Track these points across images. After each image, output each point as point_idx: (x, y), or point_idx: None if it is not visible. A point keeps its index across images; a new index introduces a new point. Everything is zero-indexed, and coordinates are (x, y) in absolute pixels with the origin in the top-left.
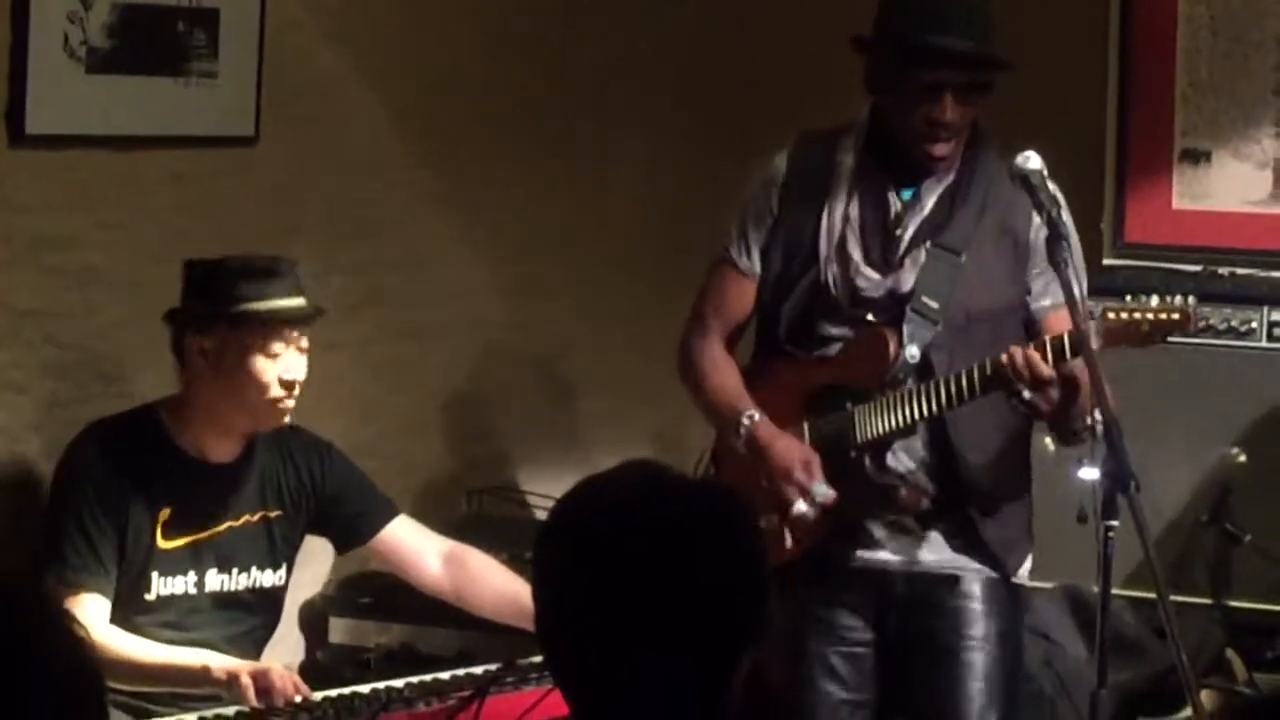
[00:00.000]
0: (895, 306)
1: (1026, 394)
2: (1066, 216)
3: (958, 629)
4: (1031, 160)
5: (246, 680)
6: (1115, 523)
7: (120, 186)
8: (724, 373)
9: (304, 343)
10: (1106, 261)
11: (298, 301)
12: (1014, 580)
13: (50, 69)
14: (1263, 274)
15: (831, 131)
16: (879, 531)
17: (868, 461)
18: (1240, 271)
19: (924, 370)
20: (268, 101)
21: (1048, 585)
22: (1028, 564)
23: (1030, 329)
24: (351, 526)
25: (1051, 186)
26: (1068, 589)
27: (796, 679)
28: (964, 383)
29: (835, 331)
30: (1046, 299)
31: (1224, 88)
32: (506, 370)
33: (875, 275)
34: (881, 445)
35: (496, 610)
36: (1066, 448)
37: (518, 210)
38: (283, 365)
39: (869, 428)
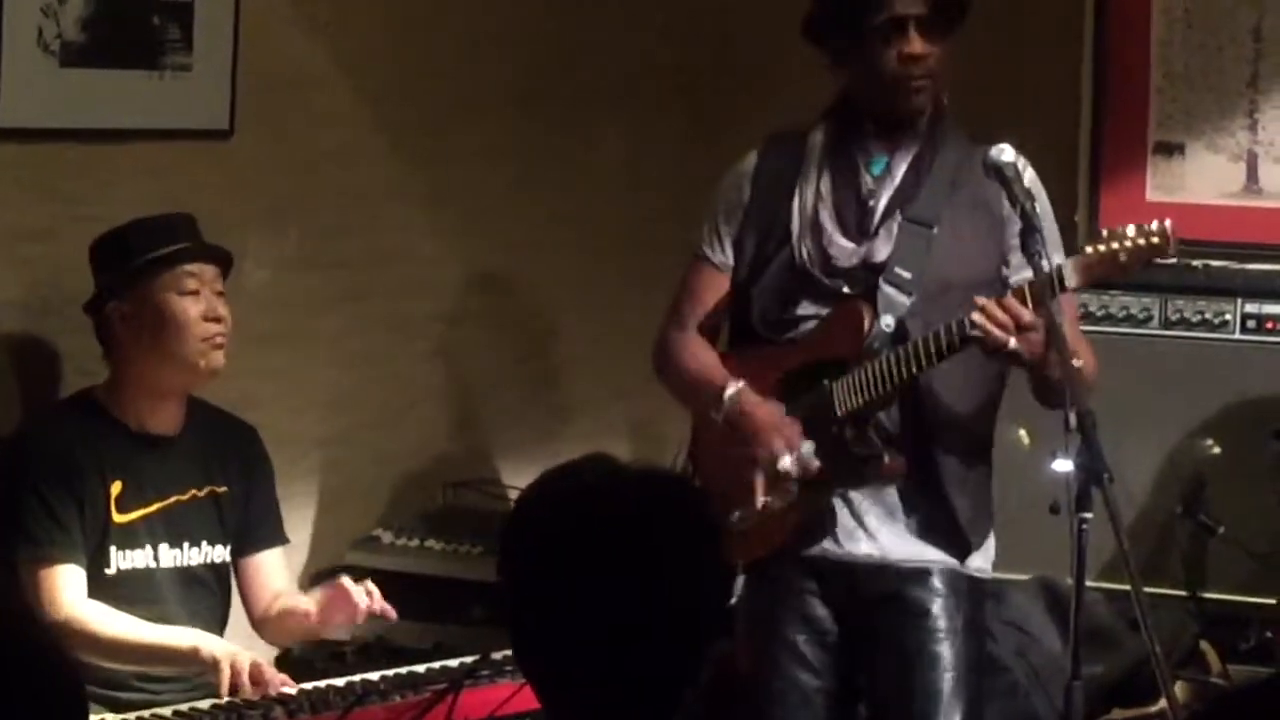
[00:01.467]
0: (869, 276)
1: (1012, 343)
2: (1044, 203)
3: (923, 623)
4: (1006, 153)
5: (226, 669)
6: (1089, 515)
7: (94, 180)
8: (702, 358)
9: (219, 285)
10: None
11: (200, 243)
12: (976, 567)
13: (24, 62)
14: (1236, 266)
15: (798, 131)
16: (849, 522)
17: (849, 433)
18: (1214, 264)
19: (899, 339)
20: (242, 95)
21: (1022, 577)
22: (989, 545)
23: None
24: (242, 532)
25: (1030, 174)
26: (1042, 581)
27: (766, 665)
28: (941, 340)
29: (809, 310)
30: (1027, 270)
31: (1198, 80)
32: (483, 363)
33: (849, 244)
34: (863, 417)
35: (287, 636)
36: (1049, 408)
37: (494, 203)
38: (204, 304)
39: (849, 400)
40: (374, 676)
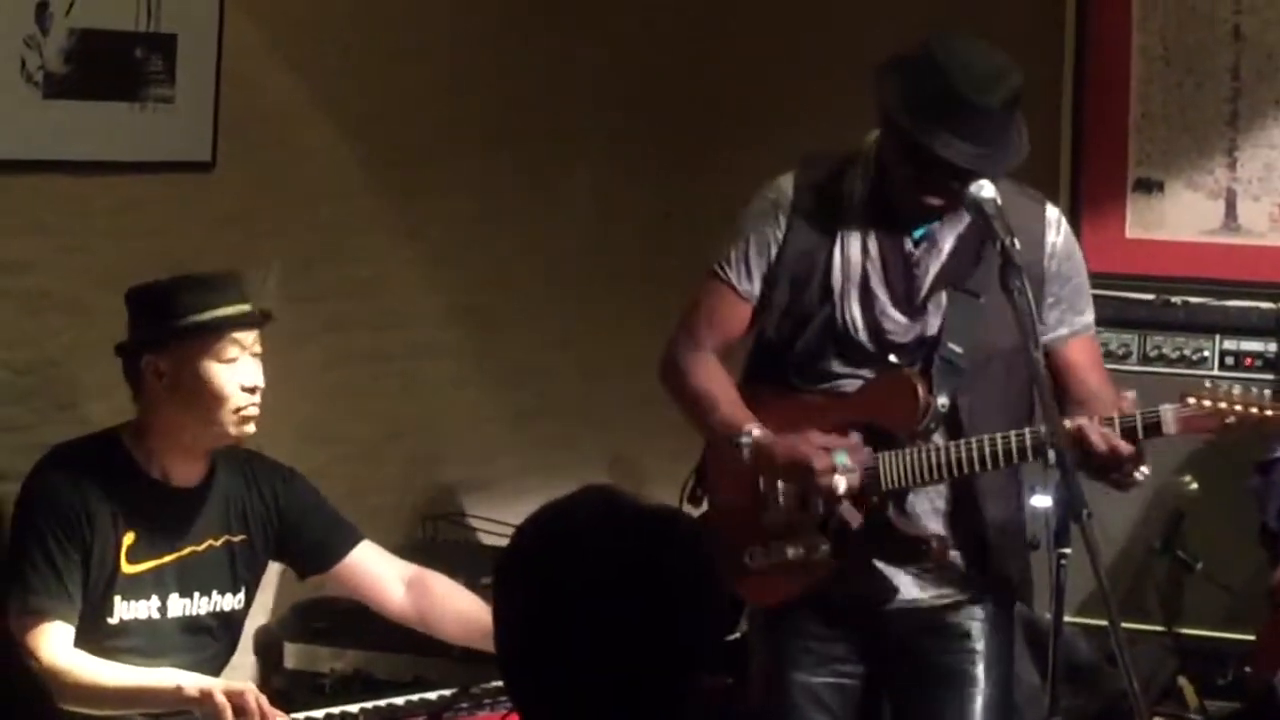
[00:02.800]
0: (922, 350)
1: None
2: (1077, 260)
3: (961, 645)
4: (985, 189)
5: (222, 699)
6: (1068, 550)
7: (76, 212)
8: (721, 385)
9: (257, 348)
10: None
11: (244, 307)
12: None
13: (7, 94)
14: (1215, 303)
15: (838, 158)
16: (886, 570)
17: (891, 509)
18: (1193, 300)
19: (952, 417)
20: (224, 127)
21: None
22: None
23: (1047, 359)
24: (314, 553)
25: (1064, 230)
26: (1021, 615)
27: (782, 707)
28: (1012, 448)
29: (843, 369)
30: (1063, 328)
31: (1176, 118)
32: (461, 396)
33: (903, 319)
34: (903, 493)
35: (463, 634)
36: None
37: (472, 236)
38: (240, 372)
39: (896, 476)
40: (353, 709)
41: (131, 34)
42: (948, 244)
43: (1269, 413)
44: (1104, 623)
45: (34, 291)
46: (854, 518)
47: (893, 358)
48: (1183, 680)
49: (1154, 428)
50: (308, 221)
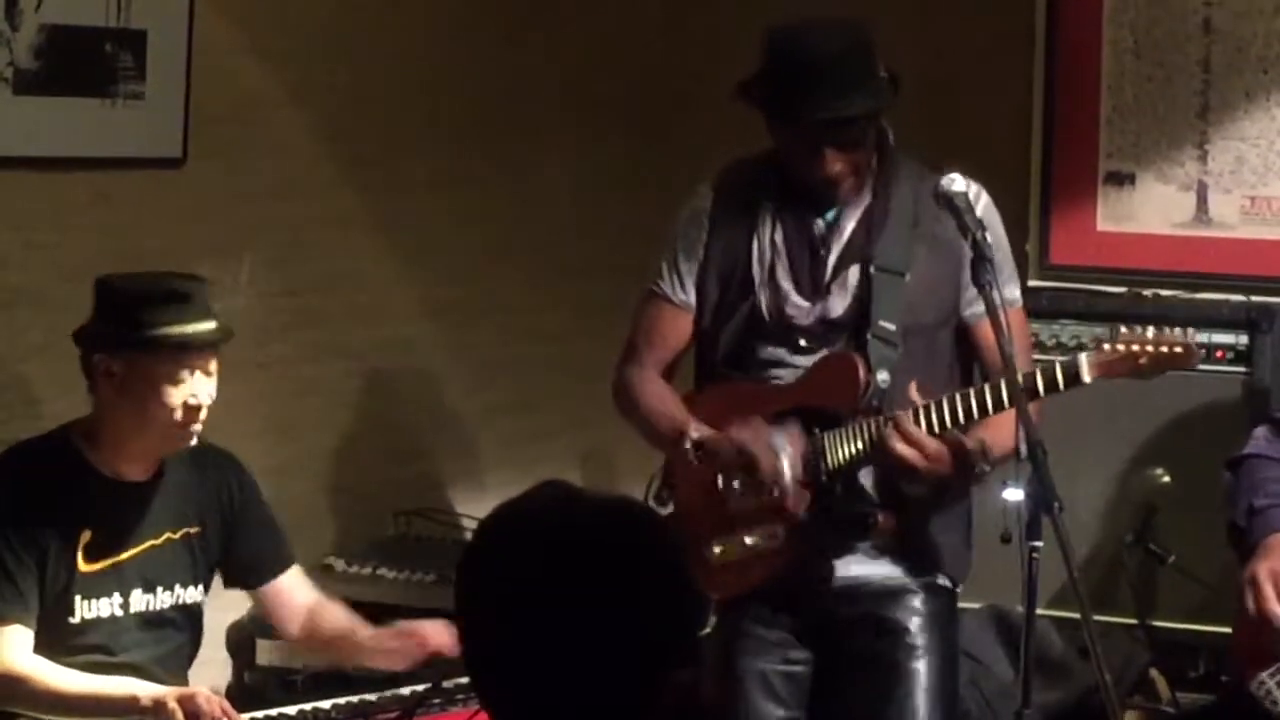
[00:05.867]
0: (828, 332)
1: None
2: (999, 233)
3: (900, 640)
4: (956, 182)
5: (174, 706)
6: (1039, 543)
7: (47, 207)
8: (661, 397)
9: (212, 366)
10: (1031, 283)
11: (208, 326)
12: (952, 587)
13: None
14: (1186, 296)
15: (754, 159)
16: (832, 549)
17: (838, 488)
18: (1164, 293)
19: (893, 393)
20: (195, 123)
21: (974, 605)
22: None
23: (962, 335)
24: (250, 565)
25: (984, 202)
26: (993, 609)
27: (733, 696)
28: (959, 409)
29: (772, 357)
30: (979, 304)
31: (1148, 111)
32: (433, 391)
33: (804, 303)
34: (851, 471)
35: (339, 656)
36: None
37: (445, 232)
38: (189, 390)
39: (840, 453)
40: (325, 705)
41: (102, 29)
42: (850, 224)
43: (1178, 349)
44: (1076, 616)
45: (3, 287)
46: (801, 499)
47: (802, 341)
48: (1155, 673)
49: (1073, 377)
50: (279, 217)
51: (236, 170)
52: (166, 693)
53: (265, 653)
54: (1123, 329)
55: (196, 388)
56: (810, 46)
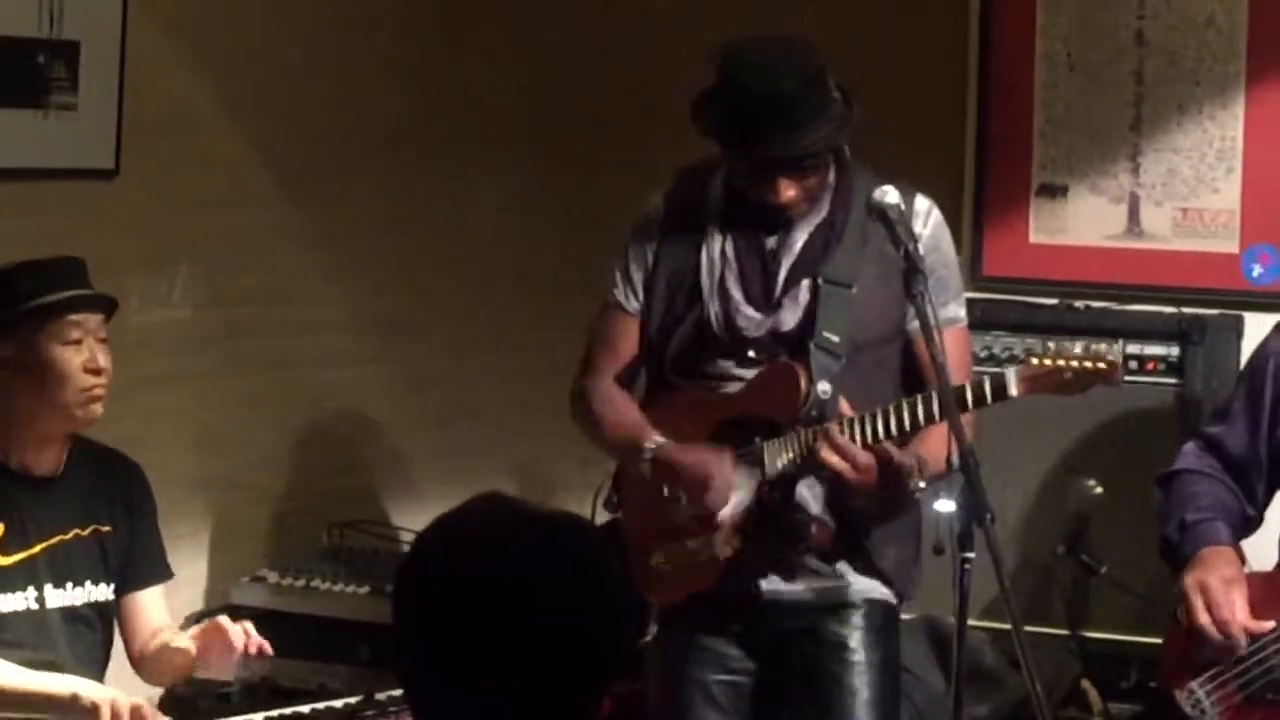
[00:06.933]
0: (777, 344)
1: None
2: (947, 249)
3: (841, 655)
4: (889, 194)
5: (106, 713)
6: (971, 554)
7: None
8: (620, 408)
9: (102, 334)
10: (964, 295)
11: (85, 290)
12: (895, 602)
13: None
14: (1118, 307)
15: (707, 167)
16: (773, 561)
17: (777, 495)
18: (1096, 305)
19: (834, 404)
20: (128, 134)
21: (906, 616)
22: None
23: (906, 349)
24: (127, 568)
25: (935, 218)
26: (925, 620)
27: (676, 705)
28: (891, 422)
29: (720, 369)
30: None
31: (1080, 123)
32: (367, 403)
33: (756, 314)
34: (790, 480)
35: (158, 676)
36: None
37: (379, 242)
38: (85, 353)
39: (780, 462)
40: (258, 717)
41: (34, 40)
42: (802, 238)
43: (1102, 365)
44: (1008, 626)
45: None
46: (729, 542)
47: (751, 353)
48: (1086, 684)
49: (1000, 391)
50: (212, 228)
51: (169, 182)
52: (104, 698)
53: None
54: (1050, 344)
55: (92, 350)
56: (765, 76)
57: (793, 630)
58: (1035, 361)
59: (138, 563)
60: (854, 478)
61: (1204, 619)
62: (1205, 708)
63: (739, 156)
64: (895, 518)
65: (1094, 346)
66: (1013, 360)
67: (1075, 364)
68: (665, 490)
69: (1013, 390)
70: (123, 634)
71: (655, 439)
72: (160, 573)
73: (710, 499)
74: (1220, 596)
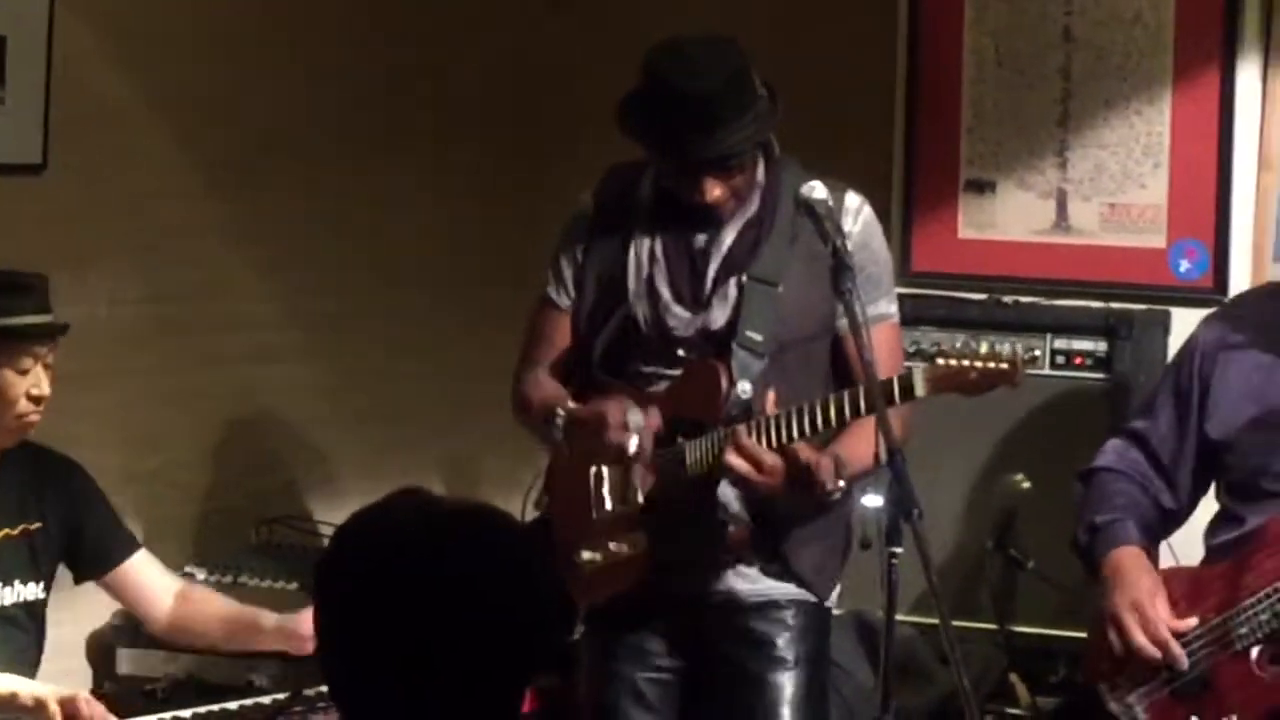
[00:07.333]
0: (707, 343)
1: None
2: (878, 246)
3: (767, 653)
4: (817, 191)
5: (55, 708)
6: (899, 549)
7: None
8: (546, 389)
9: (50, 359)
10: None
11: (45, 318)
12: (825, 605)
13: None
14: (1046, 302)
15: (636, 164)
16: (699, 564)
17: (698, 495)
18: (1024, 300)
19: (752, 405)
20: (55, 129)
21: (835, 612)
22: (836, 590)
23: (836, 347)
24: (94, 554)
25: (866, 214)
26: (854, 615)
27: (603, 702)
28: (804, 423)
29: (648, 368)
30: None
31: (1008, 119)
32: (296, 399)
33: (685, 314)
34: (710, 480)
35: (225, 635)
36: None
37: (310, 238)
38: (31, 381)
39: (701, 463)
40: (186, 714)
41: None
42: (731, 236)
43: (1004, 366)
44: (936, 621)
45: None
46: (645, 481)
47: (680, 352)
48: (1014, 678)
49: (907, 390)
50: (141, 223)
51: (97, 177)
52: (47, 693)
53: (125, 662)
54: (957, 343)
55: (38, 379)
56: (690, 77)
57: (720, 628)
58: (940, 362)
59: (104, 545)
60: (759, 480)
61: (1140, 640)
62: (1132, 704)
63: (664, 159)
64: (815, 518)
65: (998, 347)
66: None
67: (979, 364)
68: (590, 485)
69: (919, 390)
70: (133, 606)
71: (568, 405)
72: (129, 543)
73: (609, 438)
74: (1152, 613)
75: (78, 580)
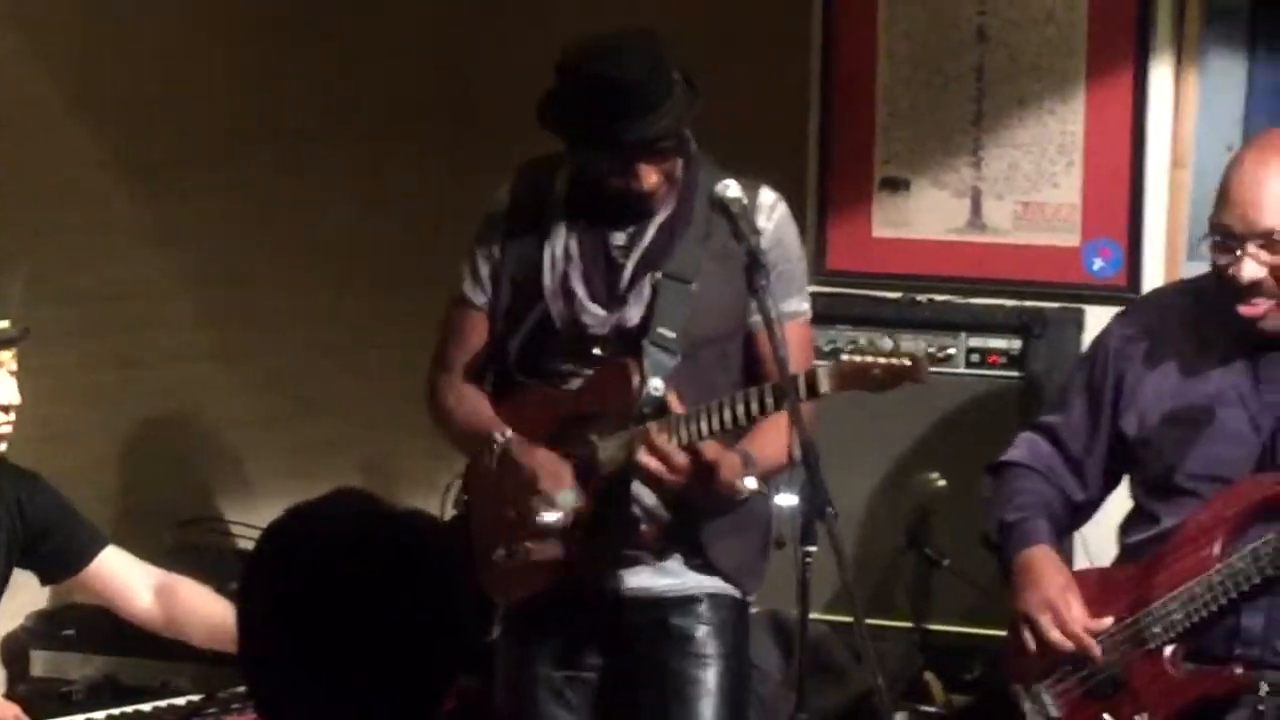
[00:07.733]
0: (622, 341)
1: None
2: (792, 244)
3: (687, 648)
4: (731, 189)
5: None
6: (814, 548)
7: None
8: (471, 402)
9: (13, 365)
10: (808, 289)
11: (3, 324)
12: (746, 600)
13: None
14: (961, 301)
15: (551, 160)
16: (618, 560)
17: (612, 492)
18: (939, 298)
19: (664, 402)
20: None
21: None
22: (756, 582)
23: (747, 343)
24: (60, 558)
25: (780, 212)
26: (769, 614)
27: (522, 702)
28: (712, 422)
29: (564, 366)
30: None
31: (923, 118)
32: (215, 400)
33: (601, 311)
34: (624, 478)
35: (209, 638)
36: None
37: (227, 238)
38: None
39: (613, 460)
40: (100, 716)
41: None
42: (650, 232)
43: (907, 362)
44: (851, 619)
45: None
46: (574, 503)
47: (596, 350)
48: (929, 676)
49: (813, 387)
50: (56, 224)
51: (11, 178)
52: None
53: (39, 664)
54: (862, 340)
55: (4, 387)
56: (611, 67)
57: (639, 625)
58: (845, 358)
59: (72, 548)
60: (669, 479)
61: (1056, 636)
62: (1046, 704)
63: (595, 148)
64: (726, 514)
65: (903, 344)
66: (856, 353)
67: (883, 360)
68: (505, 484)
69: (824, 387)
70: (111, 601)
71: (505, 432)
72: (95, 541)
73: (532, 503)
74: (1066, 612)
75: (45, 583)
